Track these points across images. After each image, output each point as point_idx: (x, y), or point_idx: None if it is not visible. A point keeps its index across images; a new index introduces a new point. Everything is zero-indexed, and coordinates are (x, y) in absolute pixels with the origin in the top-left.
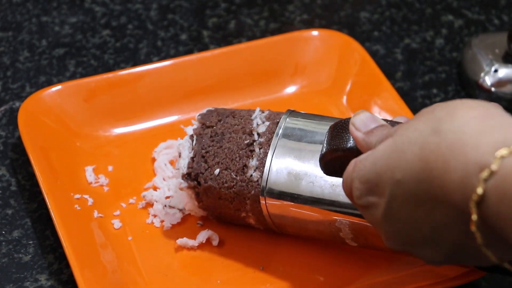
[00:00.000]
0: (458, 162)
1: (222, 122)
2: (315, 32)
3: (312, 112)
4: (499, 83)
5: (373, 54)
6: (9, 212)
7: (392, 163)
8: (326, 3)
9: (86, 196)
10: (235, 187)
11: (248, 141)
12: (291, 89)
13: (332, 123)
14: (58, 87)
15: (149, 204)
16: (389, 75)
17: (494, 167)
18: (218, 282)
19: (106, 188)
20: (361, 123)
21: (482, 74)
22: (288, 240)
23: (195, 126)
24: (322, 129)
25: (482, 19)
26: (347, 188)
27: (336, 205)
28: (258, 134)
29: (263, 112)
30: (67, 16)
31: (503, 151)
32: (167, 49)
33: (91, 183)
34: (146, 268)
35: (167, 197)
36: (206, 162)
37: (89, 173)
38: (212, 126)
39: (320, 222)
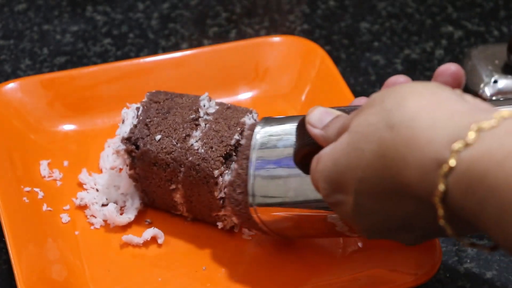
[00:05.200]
0: (415, 158)
1: (169, 100)
2: (277, 38)
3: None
4: (499, 94)
5: (373, 65)
6: None
7: (352, 162)
8: (327, 13)
9: (36, 190)
10: (173, 153)
11: (194, 116)
12: (251, 94)
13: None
14: (18, 82)
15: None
16: None
17: (452, 162)
18: (159, 280)
19: (59, 183)
20: (316, 120)
21: (481, 85)
22: (232, 241)
23: (143, 101)
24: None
25: (481, 30)
26: (315, 186)
27: (321, 201)
28: (206, 113)
29: (211, 99)
30: (69, 25)
31: (458, 145)
32: None
33: (44, 177)
34: (89, 263)
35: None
36: (148, 129)
37: (43, 167)
38: (159, 102)
39: (313, 221)
